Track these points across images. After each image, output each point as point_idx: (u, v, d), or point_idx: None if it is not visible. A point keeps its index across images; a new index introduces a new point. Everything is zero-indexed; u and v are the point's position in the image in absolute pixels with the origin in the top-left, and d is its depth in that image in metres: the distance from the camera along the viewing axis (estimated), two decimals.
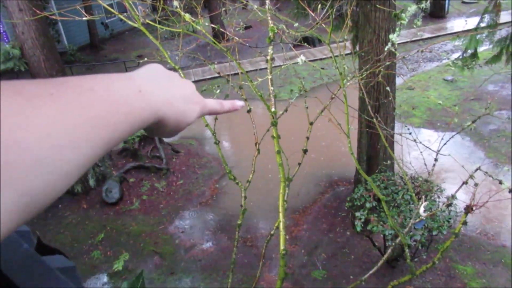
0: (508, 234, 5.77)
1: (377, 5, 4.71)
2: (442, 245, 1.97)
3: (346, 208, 5.21)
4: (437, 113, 9.40)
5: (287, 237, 1.73)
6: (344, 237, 6.13)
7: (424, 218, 2.10)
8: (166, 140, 8.87)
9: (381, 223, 4.34)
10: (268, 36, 1.83)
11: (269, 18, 1.92)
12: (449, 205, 4.29)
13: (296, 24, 2.30)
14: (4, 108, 0.25)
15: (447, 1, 17.09)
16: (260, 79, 2.25)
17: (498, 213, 6.17)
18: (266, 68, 1.88)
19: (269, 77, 1.84)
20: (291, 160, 2.06)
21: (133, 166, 8.04)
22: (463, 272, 5.23)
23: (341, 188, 7.39)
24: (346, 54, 2.37)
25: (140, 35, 17.52)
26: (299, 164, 2.07)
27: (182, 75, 2.12)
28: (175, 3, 2.07)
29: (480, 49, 8.04)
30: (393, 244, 2.26)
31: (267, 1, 2.06)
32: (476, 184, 1.77)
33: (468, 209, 1.75)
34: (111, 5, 15.87)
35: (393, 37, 2.06)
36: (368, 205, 4.54)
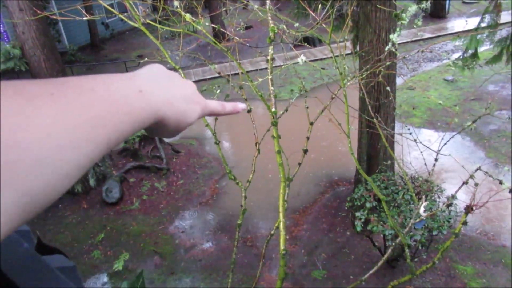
0: (508, 234, 5.77)
1: (378, 5, 4.71)
2: (442, 245, 1.97)
3: (346, 208, 5.21)
4: (437, 113, 9.40)
5: (287, 237, 1.72)
6: (344, 237, 6.13)
7: (424, 218, 2.10)
8: (166, 140, 8.87)
9: (381, 223, 4.34)
10: (269, 36, 1.83)
11: (270, 18, 1.92)
12: (449, 205, 4.29)
13: (296, 24, 2.30)
14: (4, 108, 0.25)
15: (447, 1, 17.08)
16: (260, 79, 2.25)
17: (498, 213, 6.16)
18: (266, 68, 1.88)
19: (270, 77, 1.84)
20: (291, 160, 2.06)
21: (134, 166, 8.04)
22: (463, 272, 5.23)
23: (341, 188, 7.39)
24: (347, 54, 2.37)
25: (140, 35, 17.53)
26: (299, 164, 2.07)
27: (182, 75, 2.12)
28: (176, 3, 2.07)
29: (481, 49, 8.04)
30: (393, 244, 2.26)
31: (267, 1, 2.06)
32: (476, 184, 1.77)
33: (468, 209, 1.75)
34: (111, 5, 15.87)
35: (393, 37, 2.06)
36: (368, 205, 4.54)
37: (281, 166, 1.77)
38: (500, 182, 1.74)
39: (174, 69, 2.11)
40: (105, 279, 5.68)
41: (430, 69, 12.42)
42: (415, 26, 2.15)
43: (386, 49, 2.15)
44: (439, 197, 4.87)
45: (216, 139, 2.22)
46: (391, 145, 4.97)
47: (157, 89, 0.41)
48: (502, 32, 8.01)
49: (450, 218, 4.44)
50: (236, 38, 2.38)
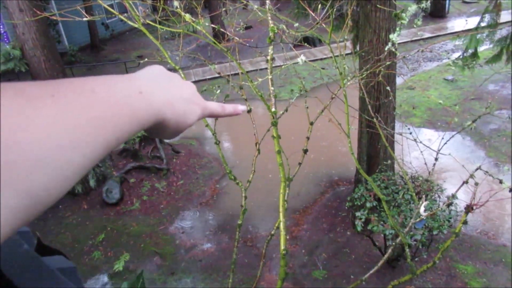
0: (508, 234, 5.77)
1: (378, 5, 4.71)
2: (442, 245, 1.97)
3: (346, 208, 5.21)
4: (437, 113, 9.40)
5: (287, 237, 1.72)
6: (345, 237, 6.13)
7: (424, 218, 2.10)
8: (166, 140, 8.87)
9: (382, 222, 4.34)
10: (269, 36, 1.83)
11: (269, 18, 1.92)
12: (449, 204, 4.29)
13: (296, 24, 2.30)
14: (4, 108, 0.25)
15: (447, 1, 17.09)
16: (260, 79, 2.25)
17: (499, 212, 6.16)
18: (266, 68, 1.88)
19: (269, 77, 1.84)
20: (291, 160, 2.06)
21: (134, 167, 8.04)
22: (464, 272, 5.23)
23: (341, 188, 7.39)
24: (347, 54, 2.37)
25: (140, 35, 17.53)
26: (300, 164, 2.07)
27: (182, 75, 2.12)
28: (176, 4, 2.07)
29: (481, 48, 8.04)
30: (394, 243, 2.26)
31: (267, 1, 2.06)
32: (476, 184, 1.77)
33: (469, 208, 1.75)
34: (111, 6, 15.89)
35: (393, 37, 2.06)
36: (368, 204, 4.54)
37: (281, 166, 1.77)
38: (500, 182, 1.74)
39: (174, 70, 2.11)
40: (106, 279, 5.68)
41: (430, 69, 12.42)
42: (415, 26, 2.15)
43: (386, 48, 2.15)
44: (439, 196, 4.88)
45: (216, 139, 2.22)
46: (391, 144, 4.97)
47: (157, 90, 0.41)
48: (502, 32, 8.01)
49: (451, 218, 4.44)
50: (236, 38, 2.38)
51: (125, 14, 2.37)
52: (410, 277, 2.03)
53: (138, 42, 17.26)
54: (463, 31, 13.14)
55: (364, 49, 5.11)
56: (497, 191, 1.77)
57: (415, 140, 2.62)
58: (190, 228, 6.71)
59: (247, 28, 13.98)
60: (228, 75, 2.52)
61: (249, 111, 1.91)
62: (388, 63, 2.86)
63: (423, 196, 3.51)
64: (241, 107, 0.58)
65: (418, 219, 2.10)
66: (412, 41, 13.81)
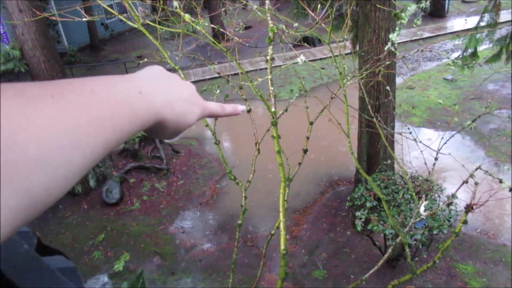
0: (508, 233, 5.77)
1: (377, 5, 4.71)
2: (442, 244, 1.97)
3: (346, 207, 5.21)
4: (437, 112, 9.40)
5: (287, 237, 1.73)
6: (345, 237, 6.13)
7: (424, 217, 2.10)
8: (166, 140, 8.87)
9: (382, 222, 4.34)
10: (268, 36, 1.83)
11: (269, 18, 1.92)
12: (449, 204, 4.29)
13: (296, 24, 2.30)
14: (4, 108, 0.25)
15: (447, 1, 17.09)
16: (260, 79, 2.25)
17: (499, 212, 6.17)
18: (266, 68, 1.88)
19: (269, 77, 1.84)
20: (291, 160, 2.06)
21: (134, 167, 8.04)
22: (464, 271, 5.23)
23: (341, 187, 7.40)
24: (346, 54, 2.37)
25: (140, 35, 17.53)
26: (299, 164, 2.07)
27: (182, 75, 2.12)
28: (175, 4, 2.07)
29: (480, 48, 8.04)
30: (394, 243, 2.26)
31: (267, 1, 2.06)
32: (476, 183, 1.77)
33: (469, 208, 1.75)
34: (111, 6, 15.88)
35: (393, 36, 2.06)
36: (368, 204, 4.54)
37: (281, 166, 1.77)
38: (500, 181, 1.74)
39: (174, 70, 2.11)
40: (106, 279, 5.68)
41: (429, 68, 12.42)
42: (414, 26, 2.15)
43: (386, 48, 2.15)
44: (439, 196, 4.88)
45: (216, 139, 2.22)
46: (391, 144, 4.97)
47: (157, 90, 0.41)
48: (502, 31, 8.00)
49: (451, 217, 4.44)
50: (236, 38, 2.38)
51: (125, 15, 2.37)
52: (410, 277, 2.03)
53: (137, 42, 17.26)
54: (462, 30, 13.14)
55: (364, 49, 5.11)
56: (497, 191, 1.77)
57: (415, 139, 2.63)
58: (190, 228, 6.71)
59: (246, 28, 13.98)
60: (228, 75, 2.52)
61: (249, 111, 1.91)
62: (387, 62, 2.86)
63: (423, 195, 3.51)
64: (241, 107, 0.58)
65: (418, 219, 2.10)
66: (411, 40, 13.81)
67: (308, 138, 2.10)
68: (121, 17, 2.30)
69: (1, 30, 13.17)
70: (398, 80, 10.32)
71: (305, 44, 2.67)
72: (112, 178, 7.49)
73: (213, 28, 3.98)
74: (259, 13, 2.38)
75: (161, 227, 6.71)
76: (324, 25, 2.13)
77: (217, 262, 5.86)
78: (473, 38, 6.85)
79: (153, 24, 2.34)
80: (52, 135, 0.27)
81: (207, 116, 0.52)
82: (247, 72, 2.24)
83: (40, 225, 6.71)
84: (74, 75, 13.17)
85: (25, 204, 0.25)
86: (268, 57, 1.85)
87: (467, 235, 5.82)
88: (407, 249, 2.16)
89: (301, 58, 2.06)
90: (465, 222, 1.88)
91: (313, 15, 2.20)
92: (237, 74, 2.44)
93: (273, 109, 1.82)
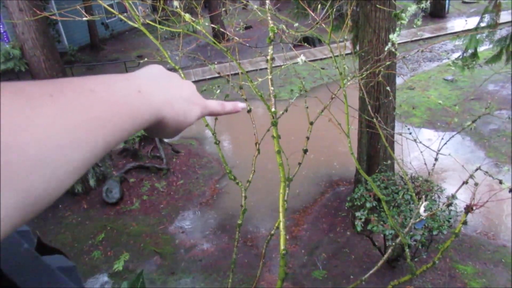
0: (508, 234, 5.77)
1: (377, 5, 4.71)
2: (442, 245, 1.97)
3: (346, 208, 5.21)
4: (437, 113, 9.40)
5: (287, 237, 1.72)
6: (345, 237, 6.13)
7: (424, 218, 2.10)
8: (166, 140, 8.87)
9: (381, 223, 4.34)
10: (268, 36, 1.83)
11: (269, 18, 1.92)
12: (449, 205, 4.29)
13: (296, 24, 2.30)
14: (4, 108, 0.25)
15: (447, 1, 17.10)
16: (260, 79, 2.25)
17: (499, 213, 6.17)
18: (266, 68, 1.88)
19: (269, 77, 1.84)
20: (291, 160, 2.06)
21: (134, 166, 8.04)
22: (464, 272, 5.23)
23: (341, 188, 7.40)
24: (346, 54, 2.37)
25: (140, 35, 17.53)
26: (299, 164, 2.07)
27: (182, 75, 2.12)
28: (175, 3, 2.07)
29: (480, 48, 8.03)
30: (394, 244, 2.26)
31: (267, 1, 2.06)
32: (476, 184, 1.77)
33: (468, 208, 1.75)
34: (111, 5, 15.88)
35: (393, 37, 2.06)
36: (368, 205, 4.54)
37: (281, 166, 1.77)
38: (500, 182, 1.74)
39: (174, 69, 2.11)
40: (105, 279, 5.68)
41: (430, 69, 12.42)
42: (414, 26, 2.15)
43: (386, 49, 2.15)
44: (439, 196, 4.88)
45: (216, 139, 2.22)
46: (391, 145, 4.97)
47: (157, 90, 0.41)
48: (502, 32, 8.01)
49: (450, 218, 4.44)
50: (236, 38, 2.38)
51: (125, 14, 2.37)
52: (410, 277, 2.03)
53: (137, 42, 17.26)
54: (463, 31, 13.15)
55: (364, 49, 5.11)
56: (497, 192, 1.77)
57: (415, 140, 2.62)
58: (190, 228, 6.71)
59: (247, 28, 13.98)
60: (228, 75, 2.52)
61: (249, 111, 1.91)
62: (388, 63, 2.86)
63: (423, 196, 3.51)
64: (241, 105, 0.58)
65: (418, 219, 2.10)
66: (412, 41, 13.81)
67: (308, 138, 2.09)
68: (122, 17, 2.30)
69: (1, 29, 13.17)
70: (398, 81, 10.31)
71: (305, 44, 2.67)
72: (112, 178, 7.49)
73: (213, 28, 3.98)
74: (259, 13, 2.38)
75: (161, 227, 6.71)
76: (324, 25, 2.13)
77: (217, 262, 5.86)
78: (473, 39, 6.85)
79: (153, 23, 2.34)
80: (52, 135, 0.27)
81: (207, 114, 0.52)
82: (247, 72, 2.24)
83: (40, 224, 6.71)
84: (74, 75, 13.17)
85: (24, 204, 0.25)
86: (268, 57, 1.85)
87: (467, 235, 5.82)
88: (407, 250, 2.16)
89: (301, 58, 2.06)
90: (465, 222, 1.88)
91: (313, 15, 2.20)
92: (237, 74, 2.44)
93: (273, 109, 1.82)
